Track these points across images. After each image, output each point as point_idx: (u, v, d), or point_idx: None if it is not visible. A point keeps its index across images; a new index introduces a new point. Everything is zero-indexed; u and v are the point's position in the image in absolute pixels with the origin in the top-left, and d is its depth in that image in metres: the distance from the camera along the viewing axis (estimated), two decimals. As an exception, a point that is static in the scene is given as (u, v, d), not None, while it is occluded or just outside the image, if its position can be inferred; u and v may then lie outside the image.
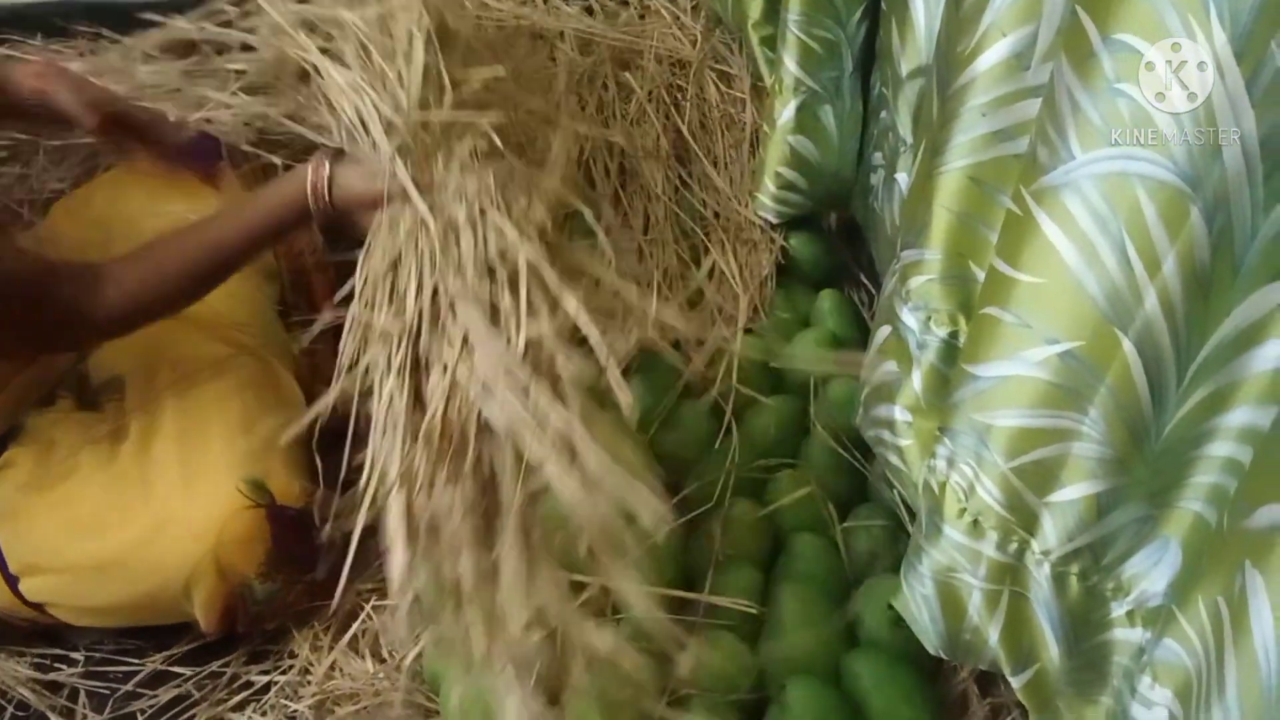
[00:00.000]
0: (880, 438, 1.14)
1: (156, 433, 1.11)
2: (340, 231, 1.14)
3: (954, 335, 1.03)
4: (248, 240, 1.06)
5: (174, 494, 1.07)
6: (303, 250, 1.42)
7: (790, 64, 1.41)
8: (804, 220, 1.56)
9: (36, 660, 1.13)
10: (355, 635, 1.11)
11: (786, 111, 1.44)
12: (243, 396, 1.14)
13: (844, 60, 1.41)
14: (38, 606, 1.08)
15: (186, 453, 1.09)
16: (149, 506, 1.06)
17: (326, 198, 1.03)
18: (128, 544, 1.05)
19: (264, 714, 1.06)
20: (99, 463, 1.09)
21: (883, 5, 1.30)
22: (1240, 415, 0.76)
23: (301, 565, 1.11)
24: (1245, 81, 0.64)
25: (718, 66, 1.81)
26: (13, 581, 1.06)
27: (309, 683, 1.07)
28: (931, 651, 1.02)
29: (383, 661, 1.08)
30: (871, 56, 1.39)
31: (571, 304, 0.97)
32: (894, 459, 1.12)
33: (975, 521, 0.91)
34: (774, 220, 1.54)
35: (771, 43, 1.63)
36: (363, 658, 1.08)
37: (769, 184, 1.50)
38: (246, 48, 1.17)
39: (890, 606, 1.08)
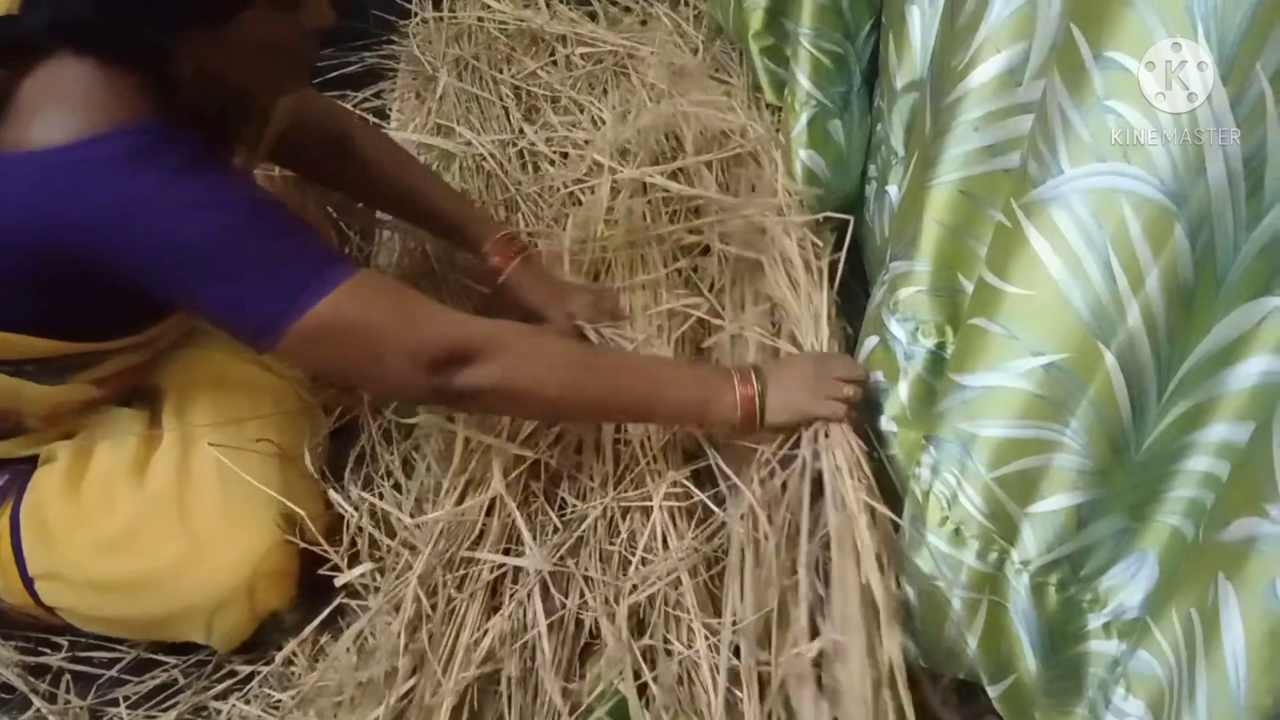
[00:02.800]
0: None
1: (194, 456, 1.09)
2: None
3: (941, 346, 1.04)
4: (654, 415, 1.10)
5: (213, 522, 1.06)
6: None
7: (802, 78, 1.42)
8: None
9: (21, 644, 1.13)
10: (340, 628, 1.11)
11: (798, 125, 1.45)
12: (279, 427, 1.14)
13: (852, 74, 1.42)
14: (49, 609, 1.08)
15: (227, 482, 1.07)
16: (186, 531, 1.05)
17: (758, 420, 1.07)
18: (159, 567, 1.04)
19: (247, 703, 1.07)
20: (133, 477, 1.07)
21: (882, 19, 1.32)
22: (1219, 430, 0.77)
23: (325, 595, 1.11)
24: (1230, 101, 0.65)
25: (717, 75, 1.82)
26: (29, 582, 1.06)
27: (293, 673, 1.08)
28: (911, 660, 1.03)
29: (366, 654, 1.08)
30: (877, 71, 1.41)
31: None
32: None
33: (957, 530, 0.92)
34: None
35: (772, 53, 1.64)
36: (346, 650, 1.08)
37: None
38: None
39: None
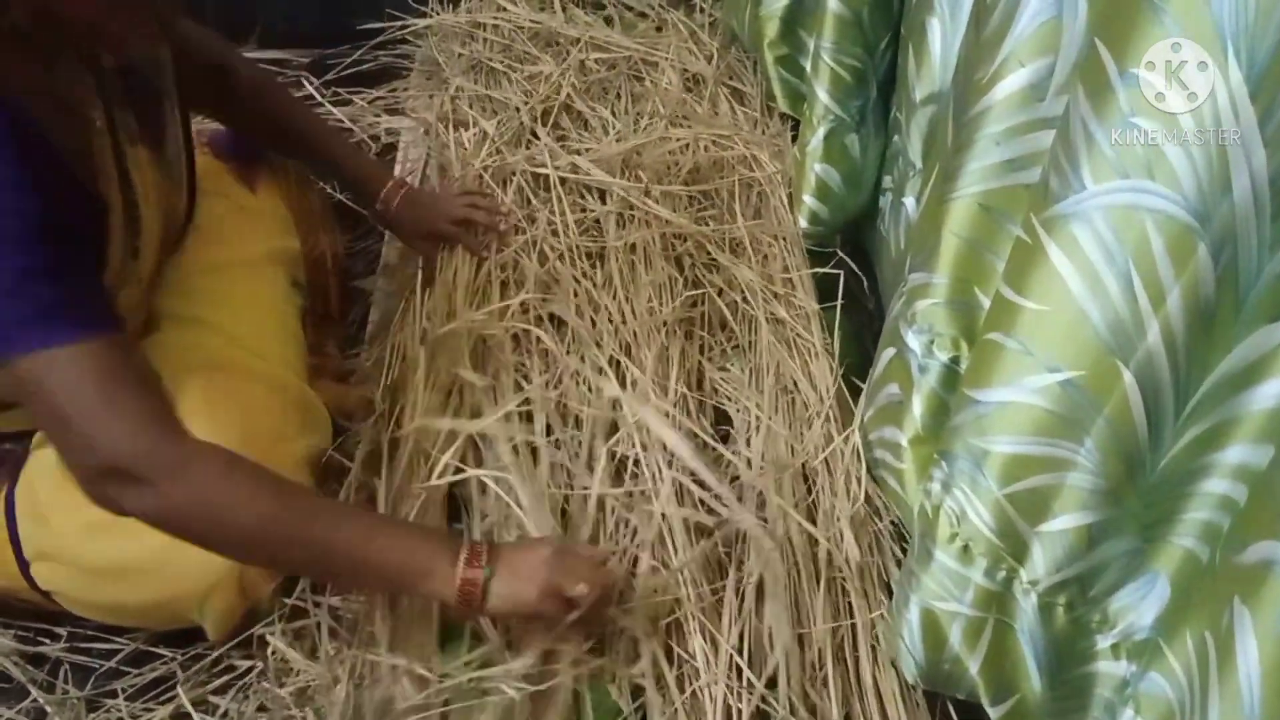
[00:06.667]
0: (882, 460, 1.15)
1: None
2: None
3: (955, 360, 1.03)
4: (359, 577, 1.02)
5: None
6: (324, 254, 1.43)
7: (821, 92, 1.41)
8: (809, 240, 1.57)
9: (20, 633, 1.12)
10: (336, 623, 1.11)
11: (814, 140, 1.45)
12: (272, 416, 1.11)
13: (870, 88, 1.42)
14: (45, 593, 1.07)
15: None
16: None
17: (478, 603, 0.97)
18: (151, 550, 1.01)
19: (246, 697, 1.06)
20: None
21: (902, 31, 1.32)
22: (1237, 453, 0.76)
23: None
24: (1258, 120, 0.65)
25: (731, 84, 1.82)
26: (24, 565, 1.05)
27: (291, 669, 1.07)
28: (910, 680, 1.02)
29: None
30: (893, 83, 1.40)
31: None
32: (892, 482, 1.12)
33: (965, 547, 0.91)
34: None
35: (786, 62, 1.65)
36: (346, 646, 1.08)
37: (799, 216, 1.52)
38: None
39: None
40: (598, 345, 1.28)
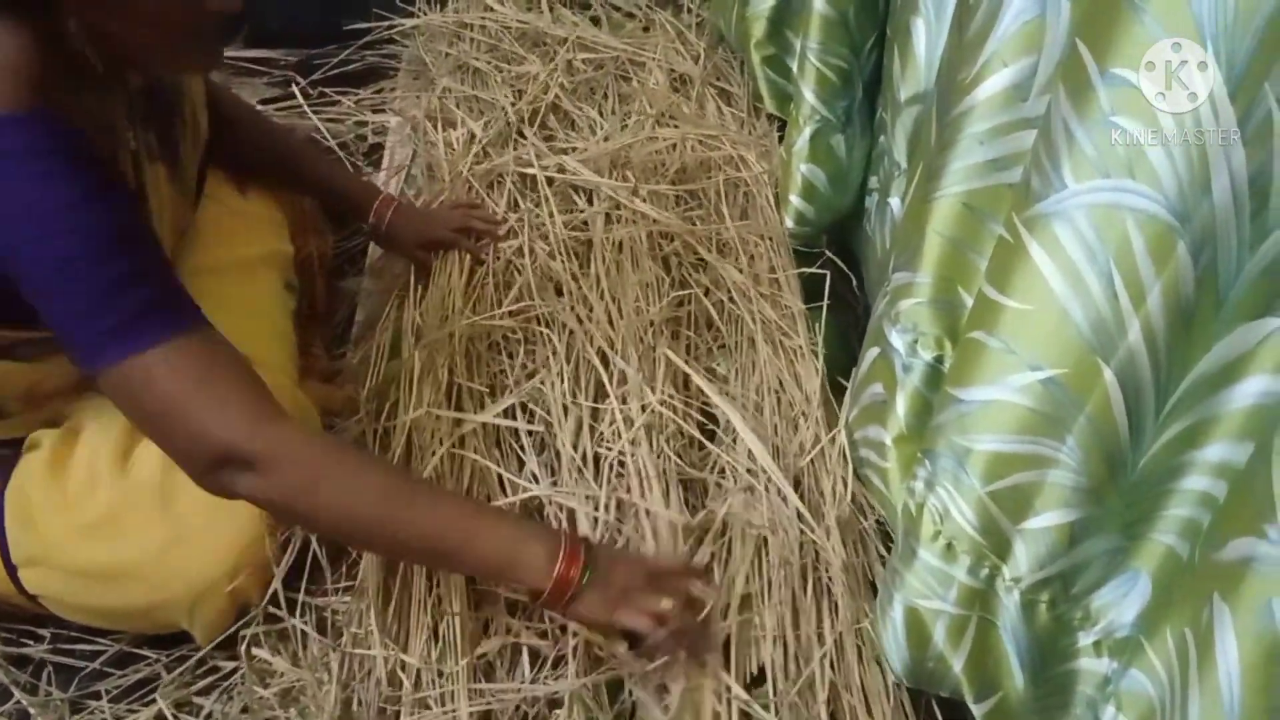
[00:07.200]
0: (866, 459, 1.15)
1: None
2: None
3: (939, 360, 1.03)
4: (454, 561, 1.00)
5: (196, 511, 1.03)
6: (312, 254, 1.43)
7: (807, 92, 1.42)
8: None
9: (4, 635, 1.12)
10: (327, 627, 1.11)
11: (800, 140, 1.45)
12: None
13: (855, 88, 1.42)
14: (32, 597, 1.06)
15: None
16: (168, 520, 1.03)
17: (562, 602, 0.96)
18: (142, 555, 1.03)
19: (230, 699, 1.06)
20: (117, 464, 1.06)
21: (887, 31, 1.32)
22: (1217, 450, 0.77)
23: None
24: (1237, 120, 0.65)
25: (718, 84, 1.82)
26: (12, 569, 1.05)
27: (275, 671, 1.07)
28: (894, 678, 1.02)
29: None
30: (878, 84, 1.41)
31: None
32: (876, 481, 1.12)
33: (949, 545, 0.92)
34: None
35: (773, 63, 1.65)
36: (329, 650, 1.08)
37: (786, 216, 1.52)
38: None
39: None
40: (590, 343, 1.28)
